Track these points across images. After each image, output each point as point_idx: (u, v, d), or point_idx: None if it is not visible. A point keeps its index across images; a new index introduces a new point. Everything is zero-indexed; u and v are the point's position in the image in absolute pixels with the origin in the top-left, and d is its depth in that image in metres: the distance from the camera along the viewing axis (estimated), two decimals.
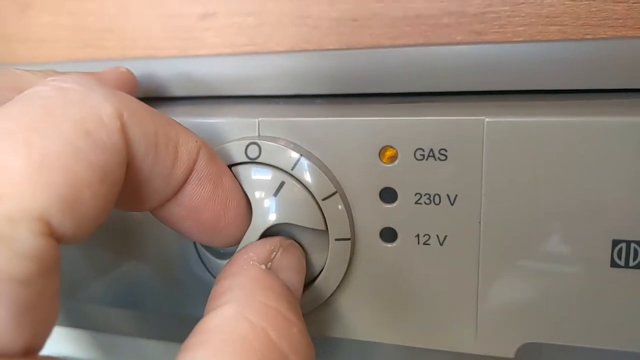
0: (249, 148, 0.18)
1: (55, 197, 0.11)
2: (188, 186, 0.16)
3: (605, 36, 0.19)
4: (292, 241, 0.18)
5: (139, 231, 0.21)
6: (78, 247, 0.22)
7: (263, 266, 0.16)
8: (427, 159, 0.17)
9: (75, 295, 0.23)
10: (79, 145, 0.12)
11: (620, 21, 0.18)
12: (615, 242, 0.16)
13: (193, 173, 0.16)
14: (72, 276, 0.23)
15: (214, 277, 0.20)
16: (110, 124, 0.13)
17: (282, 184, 0.18)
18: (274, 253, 0.17)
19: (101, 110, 0.13)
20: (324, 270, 0.18)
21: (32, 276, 0.10)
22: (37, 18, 0.25)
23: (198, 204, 0.16)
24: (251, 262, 0.16)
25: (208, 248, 0.20)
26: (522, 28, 0.19)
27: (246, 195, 0.18)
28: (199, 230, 0.17)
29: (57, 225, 0.11)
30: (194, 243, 0.20)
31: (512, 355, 0.17)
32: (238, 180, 0.18)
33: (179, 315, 0.21)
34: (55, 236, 0.11)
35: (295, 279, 0.17)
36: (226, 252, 0.19)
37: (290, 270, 0.17)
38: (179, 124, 0.16)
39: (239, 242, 0.18)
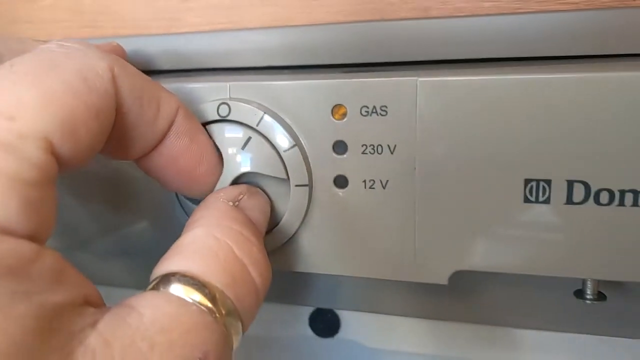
0: (220, 107, 0.21)
1: (56, 123, 0.14)
2: (168, 139, 0.19)
3: (534, 10, 0.21)
4: (258, 189, 0.21)
5: (129, 187, 0.24)
6: (75, 201, 0.25)
7: (231, 203, 0.19)
8: (371, 115, 0.20)
9: (70, 245, 0.26)
10: (78, 87, 0.15)
11: None
12: (527, 181, 0.19)
13: (172, 127, 0.19)
14: (67, 227, 0.26)
15: None
16: (104, 75, 0.16)
17: (249, 138, 0.21)
18: (241, 195, 0.20)
19: (96, 65, 0.16)
20: (286, 213, 0.21)
21: (36, 181, 0.13)
22: (39, 2, 0.28)
23: (176, 154, 0.19)
24: (221, 200, 0.19)
25: (189, 199, 0.23)
26: (462, 5, 0.22)
27: (219, 150, 0.21)
28: (177, 179, 0.20)
29: (57, 146, 0.14)
30: (177, 195, 0.23)
31: (445, 282, 0.20)
32: (211, 137, 0.21)
33: None
34: (55, 155, 0.14)
35: (259, 218, 0.20)
36: None
37: (255, 210, 0.20)
38: (162, 86, 0.19)
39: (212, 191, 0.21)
